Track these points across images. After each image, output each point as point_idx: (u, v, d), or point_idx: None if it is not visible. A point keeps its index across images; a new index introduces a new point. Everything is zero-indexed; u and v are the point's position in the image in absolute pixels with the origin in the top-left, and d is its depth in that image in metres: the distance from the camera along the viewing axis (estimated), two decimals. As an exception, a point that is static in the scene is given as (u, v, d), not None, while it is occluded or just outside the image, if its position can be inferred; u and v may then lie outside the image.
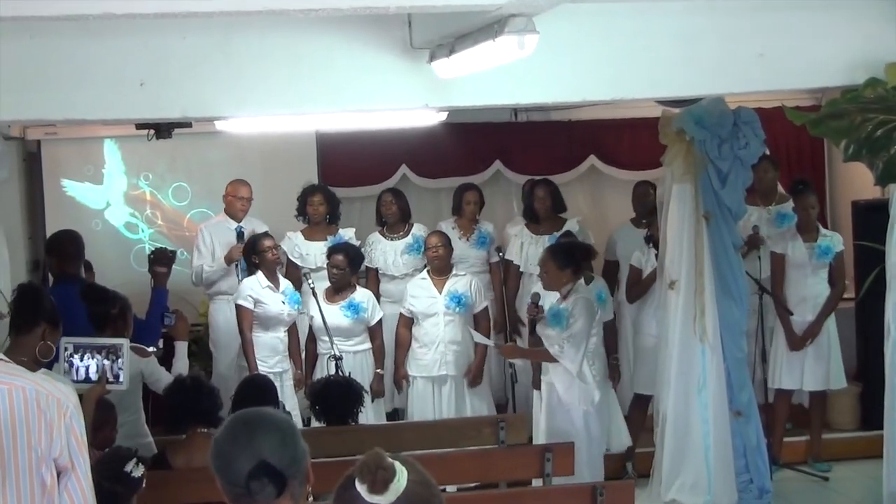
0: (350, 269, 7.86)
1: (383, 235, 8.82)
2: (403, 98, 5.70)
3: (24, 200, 9.51)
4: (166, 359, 6.55)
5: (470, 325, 7.94)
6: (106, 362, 5.13)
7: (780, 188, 9.04)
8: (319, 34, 5.47)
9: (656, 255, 7.78)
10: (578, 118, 10.20)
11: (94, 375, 5.12)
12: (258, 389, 5.98)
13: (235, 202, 8.52)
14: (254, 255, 7.83)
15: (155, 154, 9.34)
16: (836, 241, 8.16)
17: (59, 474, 3.54)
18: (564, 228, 8.51)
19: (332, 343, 7.43)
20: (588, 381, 6.89)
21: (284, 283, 7.91)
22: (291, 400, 7.63)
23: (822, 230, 8.24)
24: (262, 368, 7.53)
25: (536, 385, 7.27)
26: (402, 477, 2.44)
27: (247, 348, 7.70)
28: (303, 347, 8.05)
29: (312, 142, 9.74)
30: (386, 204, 8.85)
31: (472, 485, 6.82)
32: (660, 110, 7.11)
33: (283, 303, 7.78)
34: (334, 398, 6.35)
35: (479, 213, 9.05)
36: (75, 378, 5.06)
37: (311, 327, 7.92)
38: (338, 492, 2.50)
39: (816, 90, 8.49)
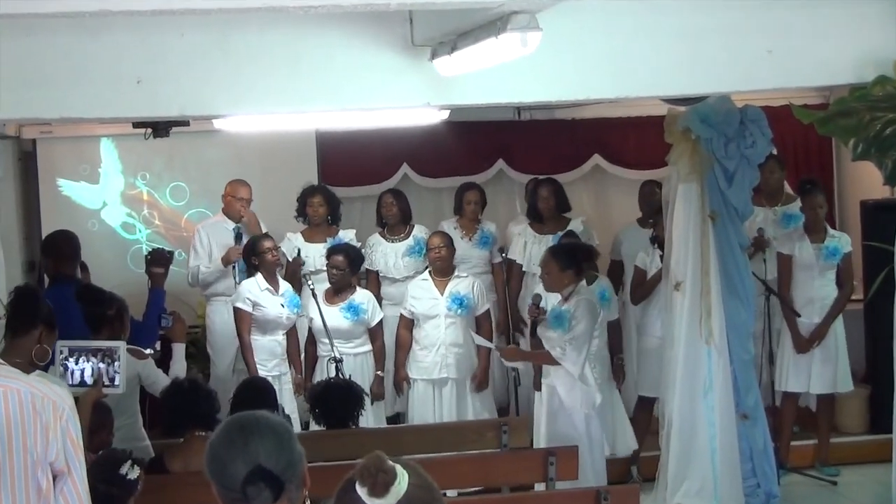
0: (350, 270, 7.86)
1: (384, 237, 8.82)
2: (404, 96, 5.70)
3: (19, 200, 9.52)
4: (164, 361, 6.55)
5: (472, 328, 7.94)
6: (102, 365, 5.14)
7: (788, 188, 9.04)
8: (319, 31, 5.47)
9: (661, 256, 7.79)
10: (582, 116, 10.20)
11: (89, 379, 5.12)
12: (257, 392, 5.99)
13: (234, 202, 8.52)
14: (253, 256, 7.83)
15: (152, 153, 9.34)
16: (843, 241, 8.16)
17: (54, 478, 3.55)
18: (568, 228, 8.51)
19: (332, 345, 7.43)
20: (590, 383, 6.89)
21: (284, 286, 7.91)
22: (290, 403, 7.63)
23: (830, 231, 8.23)
24: (261, 371, 7.53)
25: (538, 387, 7.27)
26: (402, 480, 2.45)
27: (245, 352, 7.70)
28: (302, 350, 8.06)
29: (312, 141, 9.73)
30: (386, 205, 8.84)
31: (475, 489, 6.82)
32: (665, 108, 7.11)
33: (283, 306, 7.79)
34: (334, 401, 6.35)
35: (481, 213, 9.05)
36: (70, 381, 5.07)
37: (310, 329, 7.93)
38: (338, 495, 2.50)
39: (824, 88, 8.49)
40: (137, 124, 7.43)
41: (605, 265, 9.06)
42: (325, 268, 8.00)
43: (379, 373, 7.91)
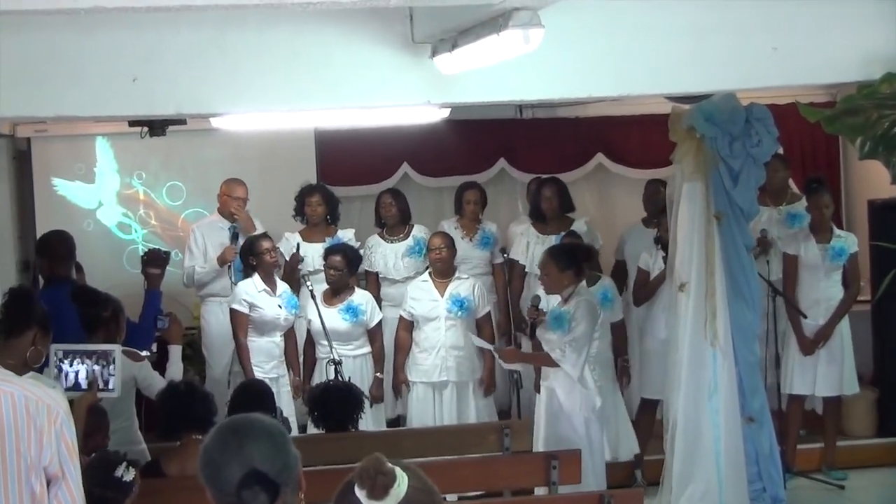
0: (348, 271, 7.86)
1: (383, 238, 8.82)
2: (405, 94, 5.71)
3: (13, 200, 9.53)
4: (160, 363, 6.56)
5: (472, 330, 7.94)
6: (96, 368, 5.14)
7: (794, 187, 9.04)
8: (318, 28, 5.47)
9: (664, 257, 7.79)
10: (585, 115, 10.20)
11: (83, 381, 5.12)
12: (255, 395, 5.99)
13: (230, 202, 8.52)
14: (251, 256, 7.83)
15: (148, 152, 9.35)
16: (850, 241, 8.15)
17: (48, 483, 3.54)
18: (571, 229, 8.50)
19: (331, 347, 7.43)
20: (589, 386, 6.89)
21: (281, 287, 7.91)
22: (288, 406, 7.63)
23: (836, 230, 8.23)
24: (258, 374, 7.53)
25: (538, 389, 7.28)
26: (402, 483, 2.45)
27: (242, 354, 7.70)
28: (300, 352, 8.06)
29: (311, 139, 9.74)
30: (385, 205, 8.84)
31: (476, 494, 6.82)
32: (669, 106, 7.10)
33: (280, 307, 7.79)
34: (333, 404, 6.35)
35: (481, 213, 9.05)
36: (65, 384, 5.07)
37: (308, 331, 7.93)
38: (337, 498, 2.50)
39: (831, 86, 8.49)
40: (133, 123, 7.43)
41: (610, 266, 9.07)
42: (323, 268, 8.00)
43: (378, 375, 7.91)
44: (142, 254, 7.71)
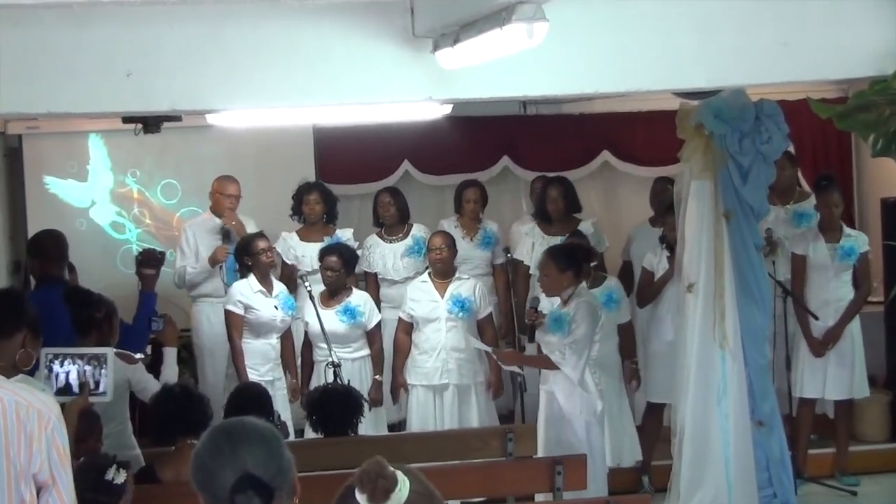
0: (345, 271, 7.86)
1: (381, 238, 8.84)
2: (405, 90, 5.71)
3: (4, 198, 9.54)
4: (155, 366, 6.56)
5: (473, 332, 7.95)
6: (88, 368, 5.14)
7: (805, 185, 9.04)
8: (316, 23, 5.48)
9: (668, 258, 7.80)
10: (591, 111, 10.21)
11: (74, 382, 5.13)
12: (251, 398, 6.00)
13: (223, 200, 8.53)
14: (246, 256, 7.83)
15: (142, 149, 9.36)
16: (860, 241, 8.15)
17: (39, 490, 3.54)
18: (577, 230, 8.48)
19: (330, 349, 7.44)
20: (590, 389, 6.89)
21: (278, 287, 7.92)
22: (284, 410, 7.63)
23: (846, 230, 8.22)
24: (253, 376, 7.55)
25: None
26: (403, 487, 2.46)
27: (236, 356, 7.71)
28: (298, 354, 8.07)
29: (309, 137, 9.75)
30: (383, 205, 8.85)
31: (479, 499, 6.83)
32: (677, 103, 7.11)
33: (276, 308, 7.80)
34: (333, 407, 6.36)
35: (482, 212, 9.06)
36: (56, 385, 5.07)
37: (306, 333, 7.94)
38: (337, 502, 2.51)
39: (843, 81, 8.48)
40: (127, 119, 7.44)
41: (616, 266, 9.08)
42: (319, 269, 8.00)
43: (377, 377, 7.91)
44: (136, 254, 7.72)
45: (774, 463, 7.07)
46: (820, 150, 10.35)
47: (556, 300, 6.99)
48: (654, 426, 8.10)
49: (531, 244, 8.71)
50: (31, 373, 4.73)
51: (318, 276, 8.05)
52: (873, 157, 5.93)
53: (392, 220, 8.83)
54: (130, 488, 4.35)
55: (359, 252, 8.49)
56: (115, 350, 5.88)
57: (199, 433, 5.32)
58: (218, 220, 8.49)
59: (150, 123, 7.48)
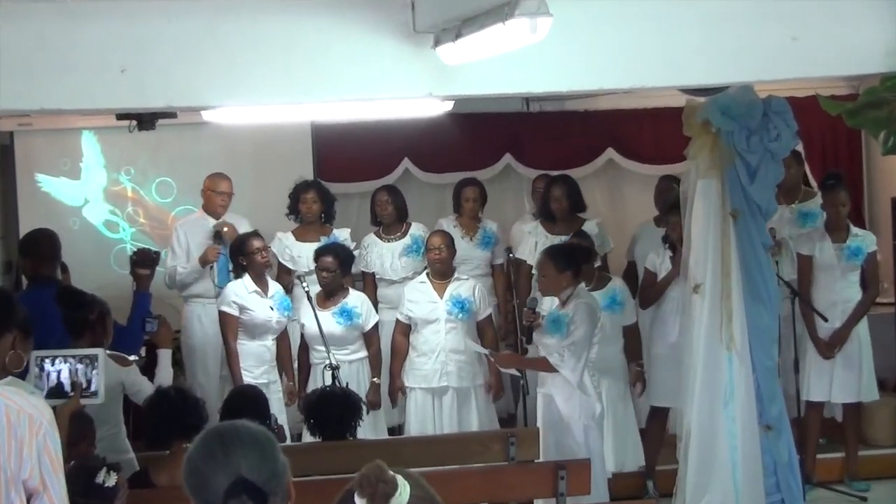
0: (341, 272, 7.87)
1: (379, 237, 8.84)
2: (406, 86, 5.71)
3: (-5, 197, 9.56)
4: (149, 368, 6.56)
5: (472, 334, 7.95)
6: (80, 366, 5.14)
7: (814, 184, 9.03)
8: (315, 18, 5.48)
9: (671, 258, 7.79)
10: (595, 108, 10.22)
11: (66, 381, 5.12)
12: (248, 401, 6.00)
13: (214, 197, 8.53)
14: (241, 256, 7.83)
15: (137, 147, 9.37)
16: (868, 241, 8.14)
17: (30, 497, 3.53)
18: (581, 229, 8.46)
19: (328, 351, 7.44)
20: (589, 392, 6.90)
21: (273, 288, 7.92)
22: (280, 414, 7.64)
23: (854, 229, 8.21)
24: (248, 379, 7.56)
25: None
26: (404, 492, 2.46)
27: (231, 358, 7.71)
28: (294, 357, 8.06)
29: (308, 134, 9.76)
30: (381, 203, 8.85)
31: (480, 505, 6.83)
32: (683, 99, 7.11)
33: (272, 309, 7.80)
34: (331, 410, 6.36)
35: (481, 211, 9.06)
36: (46, 385, 5.07)
37: (303, 335, 7.93)
38: (336, 506, 2.52)
39: (853, 78, 8.49)
40: (121, 116, 7.46)
41: (621, 267, 9.07)
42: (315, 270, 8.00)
43: (375, 380, 7.91)
44: (130, 253, 7.72)
45: (782, 468, 7.06)
46: (829, 148, 10.36)
47: (555, 301, 7.00)
48: (658, 430, 8.10)
49: (534, 243, 8.69)
50: (22, 376, 4.73)
51: (314, 276, 8.05)
52: (884, 155, 5.94)
53: (390, 219, 8.84)
54: (123, 492, 4.35)
55: (356, 252, 8.49)
56: (108, 352, 5.89)
57: (194, 437, 5.37)
58: (210, 219, 8.49)
59: (145, 120, 7.50)
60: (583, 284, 7.07)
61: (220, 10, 5.40)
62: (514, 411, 8.68)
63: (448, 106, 7.32)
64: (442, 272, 7.98)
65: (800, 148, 8.52)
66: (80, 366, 5.14)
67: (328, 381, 7.26)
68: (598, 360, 7.55)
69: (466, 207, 8.98)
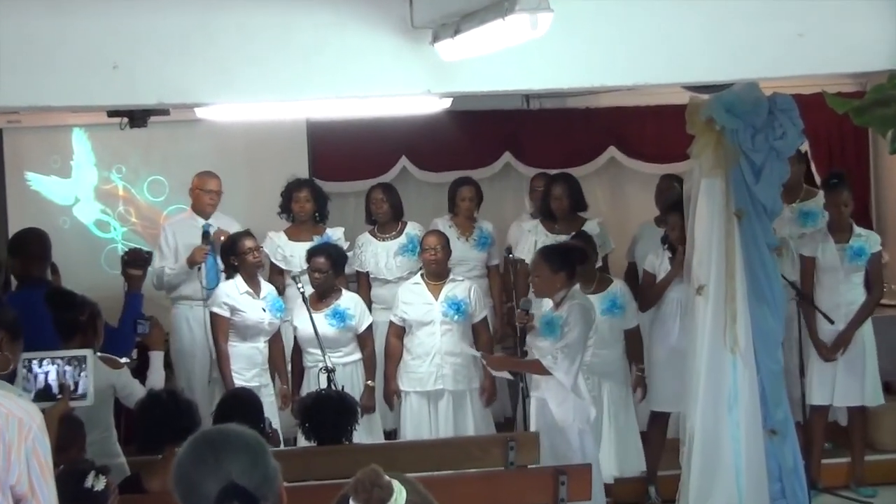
0: (333, 272, 7.86)
1: (374, 236, 8.84)
2: (403, 83, 5.71)
3: (-17, 195, 9.55)
4: (140, 370, 6.56)
5: (468, 336, 7.94)
6: (68, 368, 5.13)
7: (819, 182, 9.02)
8: (310, 13, 5.47)
9: (670, 258, 7.78)
10: (597, 105, 10.22)
11: (53, 383, 5.12)
12: (242, 404, 6.00)
13: (203, 196, 8.53)
14: (232, 256, 7.83)
15: (128, 145, 9.36)
16: (871, 241, 8.13)
17: (18, 502, 3.52)
18: (582, 229, 8.44)
19: (324, 354, 7.43)
20: (583, 396, 6.90)
21: (266, 289, 7.92)
22: (273, 418, 7.61)
23: (857, 229, 8.18)
24: (239, 382, 7.56)
25: None
26: (400, 497, 2.47)
27: (221, 361, 7.71)
28: (288, 359, 8.06)
29: (303, 132, 9.76)
30: (376, 202, 8.85)
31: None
32: (687, 96, 7.11)
33: (264, 310, 7.79)
34: (326, 414, 6.36)
35: (476, 210, 9.05)
36: (34, 387, 5.07)
37: (296, 338, 7.93)
38: (331, 512, 2.52)
39: (860, 75, 8.49)
40: (113, 113, 7.42)
41: (621, 267, 9.07)
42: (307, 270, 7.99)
43: (369, 383, 7.91)
44: (122, 253, 7.71)
45: (787, 473, 7.06)
46: (836, 147, 10.36)
47: (550, 303, 6.99)
48: (659, 435, 8.08)
49: (534, 242, 8.65)
50: (11, 378, 4.73)
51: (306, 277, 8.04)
52: (891, 154, 5.92)
53: (385, 218, 8.84)
54: (114, 497, 4.34)
55: (350, 253, 8.49)
56: (99, 354, 5.89)
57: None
58: (199, 219, 8.49)
59: (137, 117, 7.47)
60: (577, 286, 7.07)
61: (213, 5, 5.39)
62: (512, 415, 8.67)
63: (446, 103, 7.32)
64: (437, 273, 7.98)
65: (804, 146, 8.51)
66: (68, 368, 5.14)
67: (323, 385, 7.25)
68: (598, 363, 7.57)
69: (462, 207, 8.97)
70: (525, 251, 8.75)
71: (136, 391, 6.14)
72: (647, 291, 8.09)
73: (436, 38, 5.43)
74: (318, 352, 7.58)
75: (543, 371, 6.85)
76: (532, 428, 7.05)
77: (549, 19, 4.48)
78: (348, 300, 7.92)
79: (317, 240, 8.40)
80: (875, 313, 8.29)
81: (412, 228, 8.79)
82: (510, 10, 4.44)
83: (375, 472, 2.48)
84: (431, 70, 5.60)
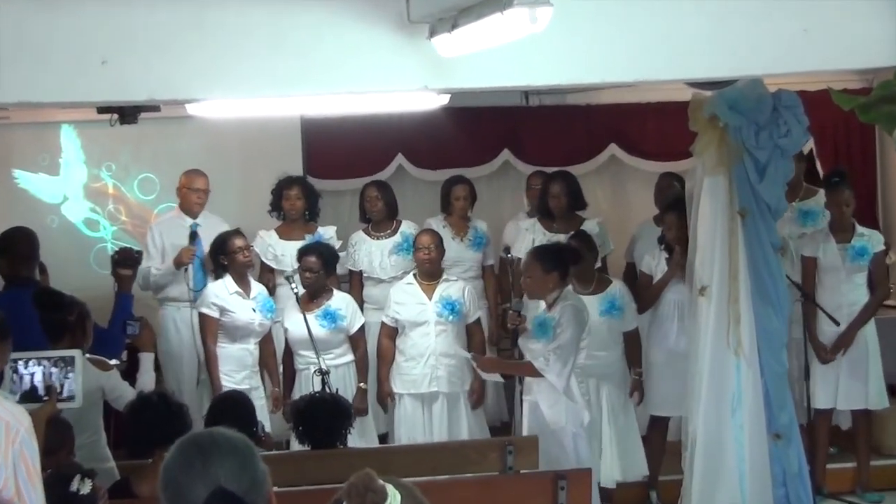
0: (325, 272, 7.86)
1: (368, 234, 8.84)
2: (400, 79, 5.70)
3: (-30, 194, 9.54)
4: (130, 372, 6.56)
5: (461, 338, 7.93)
6: (54, 370, 5.13)
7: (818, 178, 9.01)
8: (305, 7, 5.47)
9: (667, 260, 7.78)
10: (598, 102, 10.22)
11: (39, 385, 5.11)
12: (235, 407, 6.00)
13: (190, 195, 8.53)
14: (222, 255, 7.83)
15: (118, 142, 9.36)
16: (874, 240, 8.11)
17: (2, 509, 3.52)
18: (580, 229, 8.42)
19: (318, 356, 7.43)
20: (576, 398, 6.90)
21: (256, 289, 7.92)
22: (264, 421, 7.61)
23: (859, 228, 8.16)
24: (229, 384, 7.55)
25: None
26: (394, 501, 2.46)
27: (210, 362, 7.71)
28: (279, 361, 8.05)
29: (297, 129, 9.76)
30: (370, 199, 8.85)
31: (476, 516, 6.83)
32: (689, 93, 7.11)
33: (254, 311, 7.79)
34: (321, 418, 6.35)
35: (470, 210, 9.04)
36: (20, 389, 5.06)
37: (286, 339, 7.92)
38: (324, 518, 2.51)
39: (867, 71, 8.47)
40: (102, 110, 7.42)
41: (621, 268, 9.07)
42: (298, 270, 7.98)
43: (362, 385, 7.91)
44: (111, 253, 7.71)
45: (792, 478, 7.06)
46: (842, 144, 10.36)
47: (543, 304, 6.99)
48: (659, 439, 8.07)
49: (531, 240, 8.62)
50: (-2, 381, 4.74)
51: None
52: (898, 152, 5.93)
53: (379, 216, 8.83)
54: (103, 500, 4.33)
55: (342, 253, 8.49)
56: (88, 356, 5.88)
57: (178, 445, 5.36)
58: (187, 218, 8.49)
59: (127, 114, 7.46)
60: (570, 287, 7.07)
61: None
62: (509, 419, 8.66)
63: (444, 99, 7.32)
64: (430, 272, 7.98)
65: (807, 145, 8.50)
66: (54, 369, 5.13)
67: (316, 387, 7.24)
68: (597, 366, 7.58)
69: (457, 206, 8.96)
70: (523, 250, 8.70)
71: (125, 393, 6.14)
72: (643, 293, 8.08)
73: (433, 33, 5.43)
74: (310, 354, 7.59)
75: (535, 373, 6.85)
76: (524, 432, 7.04)
77: (549, 13, 4.48)
78: (340, 300, 7.92)
79: (308, 238, 8.39)
80: (879, 314, 8.30)
81: (407, 227, 8.78)
82: (509, 4, 4.44)
83: (369, 477, 2.48)
84: (428, 65, 5.60)
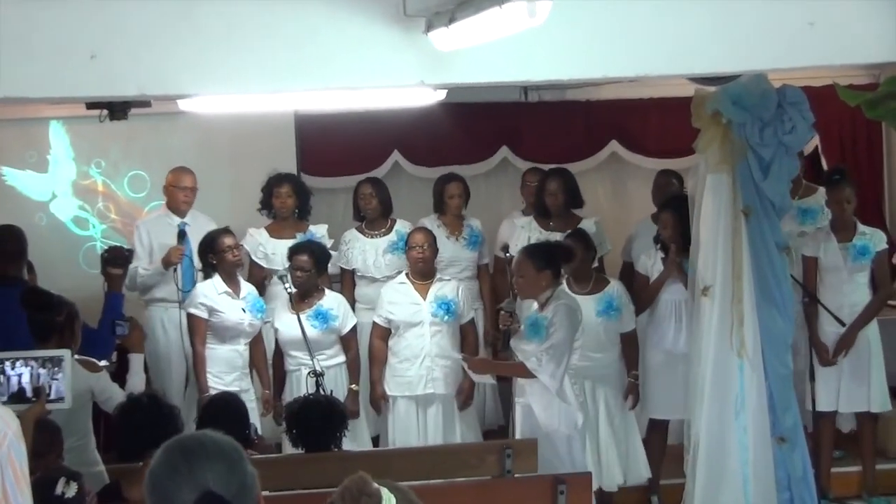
0: (316, 271, 7.86)
1: (361, 232, 8.83)
2: (396, 74, 5.69)
3: (-44, 191, 9.53)
4: (120, 374, 6.55)
5: (455, 338, 7.93)
6: (42, 371, 5.13)
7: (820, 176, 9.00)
8: (299, 0, 5.47)
9: (663, 259, 7.78)
10: (598, 98, 10.22)
11: (27, 386, 5.11)
12: (227, 409, 6.00)
13: (177, 193, 8.54)
14: (211, 254, 7.82)
15: (108, 138, 9.35)
16: (876, 239, 8.10)
17: (-11, 514, 3.52)
18: (578, 228, 8.40)
19: (312, 357, 7.42)
20: (569, 400, 6.90)
21: (246, 289, 7.91)
22: (257, 424, 7.62)
23: (861, 227, 8.15)
24: (218, 386, 7.54)
25: None
26: (389, 505, 2.46)
27: (198, 364, 7.71)
28: (270, 363, 8.05)
29: (290, 125, 9.75)
30: (364, 197, 8.84)
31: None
32: (692, 89, 7.12)
33: (244, 311, 7.79)
34: (315, 420, 6.35)
35: (464, 208, 9.03)
36: (7, 391, 5.06)
37: (276, 340, 7.91)
38: (317, 524, 2.51)
39: (873, 66, 8.50)
40: (91, 105, 7.42)
41: (618, 267, 9.06)
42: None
43: (353, 387, 7.90)
44: (101, 252, 7.70)
45: (797, 482, 7.07)
46: (848, 141, 10.36)
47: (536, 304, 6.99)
48: (659, 442, 8.07)
49: (527, 239, 8.59)
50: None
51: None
52: (905, 149, 5.93)
53: (374, 214, 8.83)
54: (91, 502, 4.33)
55: (334, 253, 8.48)
56: (77, 357, 5.88)
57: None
58: (175, 217, 8.49)
59: (117, 109, 7.47)
60: (563, 286, 7.06)
61: (196, -8, 5.38)
62: (505, 422, 8.66)
63: (441, 95, 7.31)
64: (424, 272, 7.98)
65: (812, 142, 8.50)
66: (42, 370, 5.13)
67: (309, 389, 7.23)
68: (594, 367, 7.58)
69: (451, 205, 8.94)
70: (518, 249, 8.72)
71: (115, 395, 6.14)
72: (640, 294, 8.07)
73: (430, 27, 5.42)
74: (301, 354, 7.60)
75: (528, 374, 6.85)
76: (517, 435, 7.04)
77: (548, 7, 4.47)
78: (331, 300, 7.92)
79: (299, 237, 8.39)
80: (882, 315, 8.29)
81: (402, 226, 8.77)
82: (507, -3, 4.44)
83: (363, 480, 2.48)
84: (425, 60, 5.59)
